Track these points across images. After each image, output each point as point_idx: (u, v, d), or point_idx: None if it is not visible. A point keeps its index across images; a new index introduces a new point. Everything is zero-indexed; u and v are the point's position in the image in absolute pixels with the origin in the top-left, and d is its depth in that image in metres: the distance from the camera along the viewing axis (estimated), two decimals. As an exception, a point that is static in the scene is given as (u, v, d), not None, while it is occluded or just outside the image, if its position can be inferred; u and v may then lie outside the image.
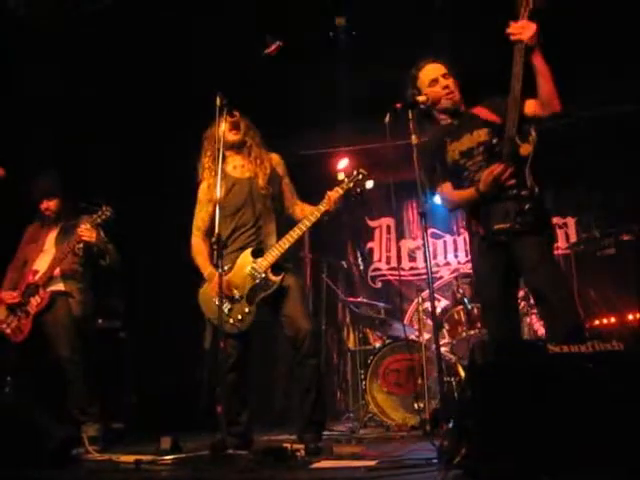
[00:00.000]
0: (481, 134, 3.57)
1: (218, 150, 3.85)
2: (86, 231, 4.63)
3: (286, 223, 4.15)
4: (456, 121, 3.72)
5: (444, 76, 3.68)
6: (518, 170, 3.34)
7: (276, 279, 3.93)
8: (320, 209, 3.99)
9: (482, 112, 3.63)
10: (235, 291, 3.94)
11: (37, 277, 4.72)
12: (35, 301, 4.65)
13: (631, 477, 1.99)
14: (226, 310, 3.86)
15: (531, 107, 3.42)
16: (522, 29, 3.30)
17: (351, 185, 4.02)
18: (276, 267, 3.96)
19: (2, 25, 5.39)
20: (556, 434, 2.12)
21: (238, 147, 4.20)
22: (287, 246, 3.95)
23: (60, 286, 4.74)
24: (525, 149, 3.35)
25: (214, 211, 3.79)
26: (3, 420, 3.33)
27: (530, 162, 3.34)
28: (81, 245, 4.72)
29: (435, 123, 3.83)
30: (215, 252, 3.68)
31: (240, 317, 3.90)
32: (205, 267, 4.05)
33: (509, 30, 3.34)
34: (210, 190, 4.11)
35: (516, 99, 3.36)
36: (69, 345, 4.60)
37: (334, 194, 4.00)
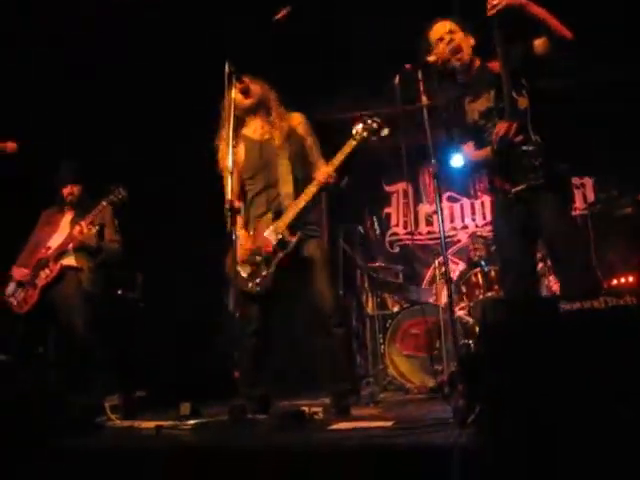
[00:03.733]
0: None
1: (231, 117, 3.85)
2: (100, 211, 4.70)
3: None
4: (473, 79, 3.69)
5: (449, 33, 3.65)
6: (523, 125, 3.32)
7: (292, 239, 3.93)
8: (329, 167, 3.95)
9: (497, 67, 3.59)
10: (257, 256, 3.98)
11: (50, 252, 4.77)
12: (44, 273, 4.73)
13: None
14: (246, 274, 3.91)
15: (540, 47, 3.41)
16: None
17: (365, 135, 3.95)
18: (294, 227, 3.96)
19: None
20: (568, 391, 2.12)
21: (254, 110, 4.19)
22: (302, 205, 3.93)
23: (72, 260, 4.81)
24: (522, 102, 3.36)
25: (238, 174, 3.97)
26: (23, 390, 3.38)
27: (531, 116, 3.33)
28: (96, 227, 4.78)
29: (452, 81, 3.81)
30: (229, 218, 3.70)
31: (258, 280, 3.92)
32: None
33: (489, 10, 3.33)
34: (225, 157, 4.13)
35: (503, 57, 3.36)
36: (82, 317, 4.67)
37: (345, 149, 3.96)
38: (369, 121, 3.99)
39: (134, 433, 3.59)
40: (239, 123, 4.11)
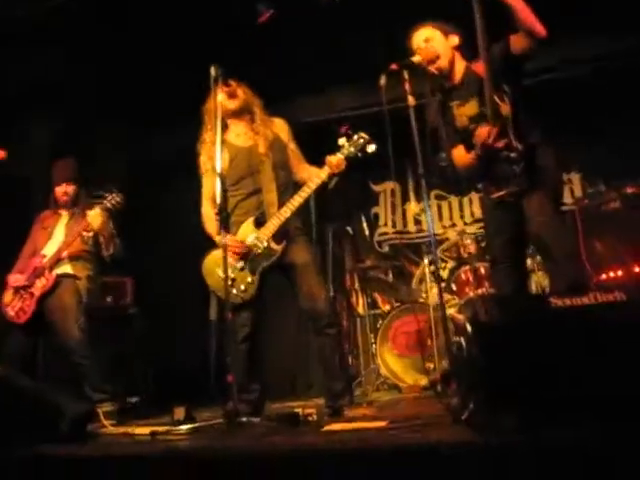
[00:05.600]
0: None
1: (218, 120, 3.83)
2: (94, 218, 4.64)
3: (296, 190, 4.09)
4: (459, 82, 3.69)
5: (425, 41, 3.65)
6: (504, 130, 3.32)
7: (278, 248, 3.94)
8: (321, 175, 3.95)
9: (481, 69, 3.59)
10: (239, 261, 3.95)
11: (45, 260, 4.74)
12: (40, 282, 4.68)
13: (633, 430, 2.00)
14: (229, 280, 3.84)
15: (517, 44, 3.37)
16: None
17: (352, 149, 3.96)
18: (279, 236, 3.96)
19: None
20: (559, 388, 2.14)
21: (239, 114, 4.18)
22: (288, 214, 3.93)
23: (67, 269, 4.77)
24: (504, 108, 3.33)
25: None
26: (18, 398, 3.37)
27: (512, 122, 3.32)
28: (90, 233, 4.73)
29: (439, 84, 3.81)
30: (219, 222, 3.68)
31: (243, 287, 3.92)
32: (215, 234, 4.03)
33: None
34: (211, 160, 4.10)
35: (485, 55, 3.34)
36: (77, 326, 4.63)
37: (334, 158, 3.95)
38: (355, 137, 3.98)
39: (128, 439, 3.60)
40: (222, 128, 4.08)
